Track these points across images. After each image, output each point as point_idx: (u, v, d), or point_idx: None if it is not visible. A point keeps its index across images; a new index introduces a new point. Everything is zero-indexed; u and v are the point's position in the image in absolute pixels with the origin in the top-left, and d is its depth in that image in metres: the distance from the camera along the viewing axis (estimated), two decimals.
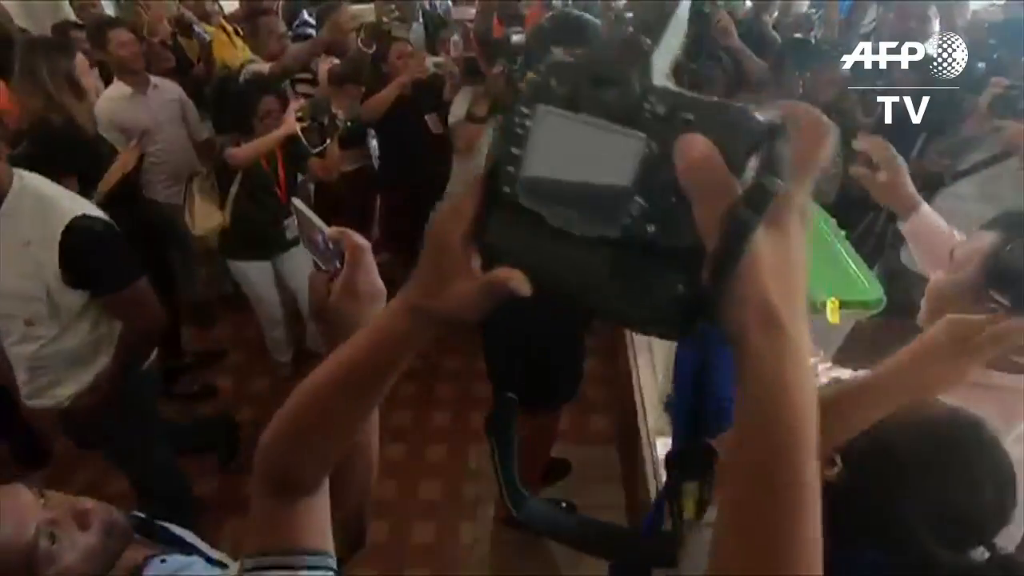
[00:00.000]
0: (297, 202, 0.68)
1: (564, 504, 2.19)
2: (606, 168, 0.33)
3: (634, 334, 1.79)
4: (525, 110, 0.35)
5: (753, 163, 0.30)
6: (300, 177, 2.70)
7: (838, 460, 0.70)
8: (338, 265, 0.60)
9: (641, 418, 1.68)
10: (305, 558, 0.53)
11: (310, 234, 0.66)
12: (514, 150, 0.35)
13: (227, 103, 2.57)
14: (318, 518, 0.55)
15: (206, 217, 2.49)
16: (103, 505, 0.81)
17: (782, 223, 0.31)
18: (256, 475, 0.53)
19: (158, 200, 2.83)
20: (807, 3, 3.48)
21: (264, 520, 0.54)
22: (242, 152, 2.36)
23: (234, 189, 2.44)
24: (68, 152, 2.02)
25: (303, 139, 2.51)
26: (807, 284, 0.32)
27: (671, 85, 0.33)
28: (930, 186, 2.19)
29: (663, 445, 1.51)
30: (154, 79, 2.68)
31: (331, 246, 0.62)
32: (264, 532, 0.53)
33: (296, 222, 0.67)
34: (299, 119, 2.41)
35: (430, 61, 2.78)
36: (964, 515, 0.65)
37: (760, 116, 0.30)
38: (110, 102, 2.58)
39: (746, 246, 0.29)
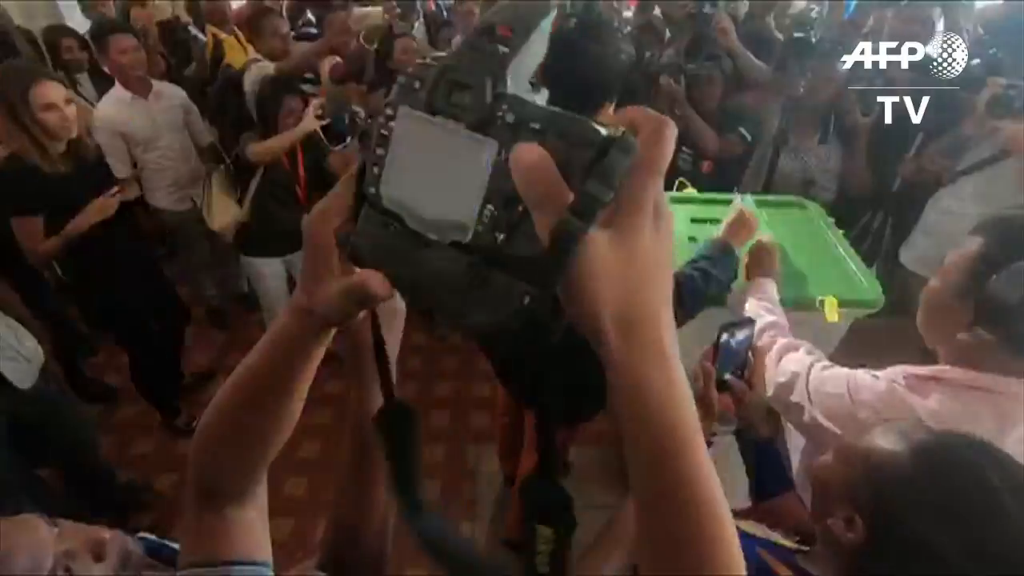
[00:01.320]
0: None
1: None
2: (460, 173, 0.33)
3: None
4: (390, 111, 0.35)
5: (594, 176, 0.30)
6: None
7: (857, 520, 0.67)
8: None
9: None
10: (232, 568, 0.51)
11: None
12: (378, 151, 0.36)
13: (230, 103, 2.57)
14: (249, 527, 0.54)
15: (223, 212, 2.50)
16: (118, 535, 0.79)
17: (624, 226, 0.31)
18: (188, 484, 0.53)
19: (161, 207, 2.84)
20: (807, 3, 3.48)
21: (193, 530, 0.53)
22: (263, 148, 2.37)
23: (254, 185, 2.44)
24: (31, 193, 1.92)
25: (323, 136, 2.51)
26: (668, 283, 0.32)
27: (529, 94, 0.33)
28: (928, 186, 2.20)
29: None
30: (156, 84, 2.69)
31: None
32: (192, 542, 0.53)
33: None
34: (319, 116, 2.41)
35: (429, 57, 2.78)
36: (1002, 535, 0.60)
37: (603, 129, 0.30)
38: (111, 108, 2.59)
39: (573, 252, 0.29)
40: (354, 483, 0.64)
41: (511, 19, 0.33)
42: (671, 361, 0.31)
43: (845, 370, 1.02)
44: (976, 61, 1.91)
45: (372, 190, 0.36)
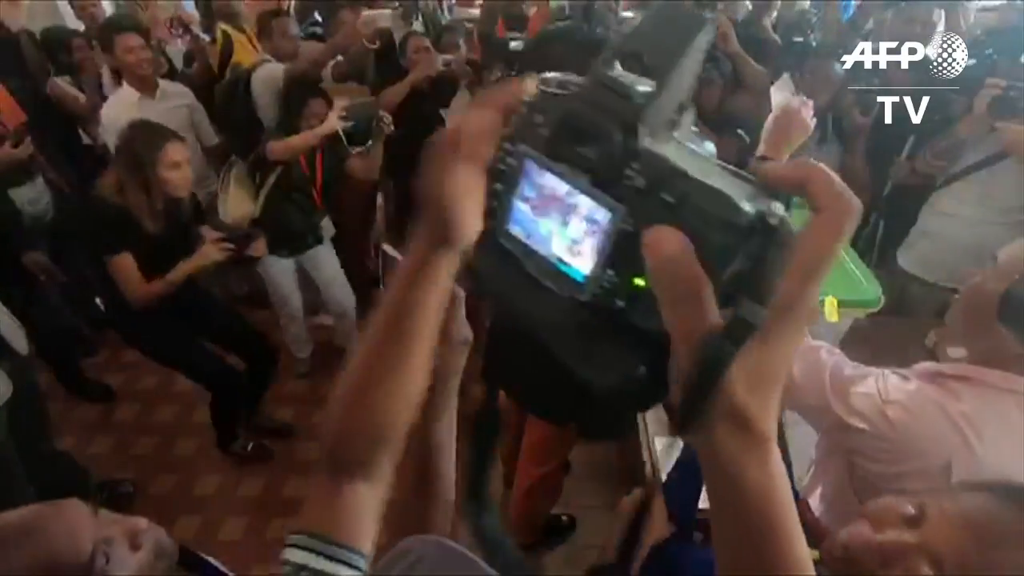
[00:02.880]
0: (388, 247, 0.69)
1: (565, 518, 2.17)
2: (582, 228, 0.30)
3: None
4: (509, 147, 0.33)
5: (738, 262, 0.26)
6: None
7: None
8: None
9: (640, 418, 1.68)
10: (338, 550, 0.51)
11: None
12: (498, 186, 0.33)
13: (238, 102, 2.57)
14: (365, 511, 0.52)
15: (238, 205, 2.51)
16: (154, 526, 0.82)
17: (770, 333, 0.27)
18: (321, 454, 0.52)
19: None
20: (806, 3, 3.49)
21: (312, 499, 0.53)
22: (283, 145, 2.36)
23: (270, 181, 2.44)
24: (131, 243, 1.94)
25: (344, 139, 2.50)
26: (787, 372, 0.30)
27: (666, 140, 0.29)
28: (921, 188, 2.21)
29: (662, 445, 1.51)
30: (163, 83, 2.69)
31: None
32: (308, 511, 0.53)
33: (380, 263, 0.69)
34: (343, 118, 2.40)
35: (439, 59, 2.78)
36: None
37: (750, 206, 0.26)
38: (117, 107, 2.59)
39: (722, 375, 0.26)
40: (418, 498, 0.65)
41: (649, 48, 0.28)
42: (773, 454, 0.29)
43: (871, 369, 1.00)
44: (972, 62, 1.91)
45: (492, 223, 0.34)
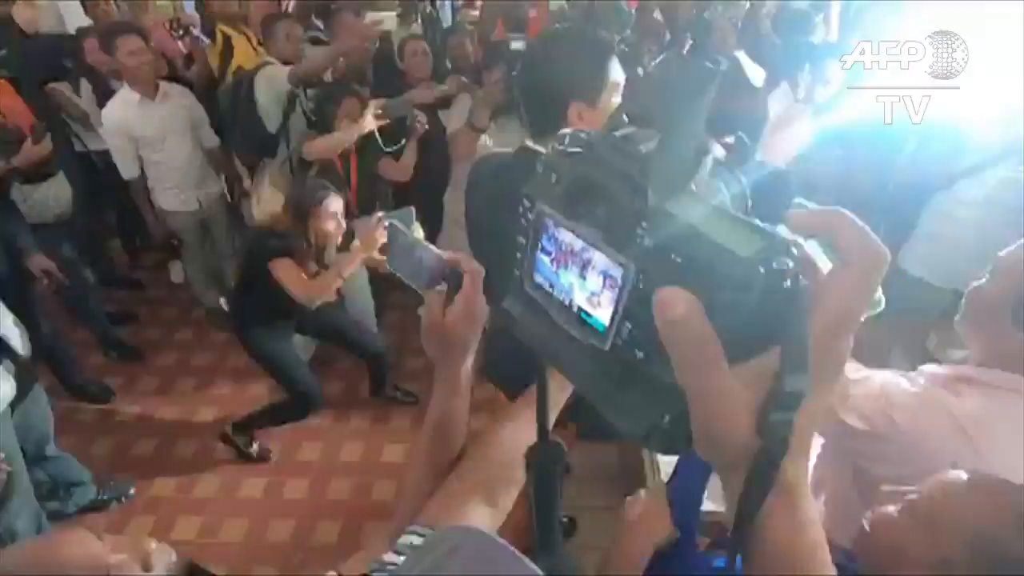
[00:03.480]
0: (396, 222, 0.69)
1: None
2: (599, 282, 0.31)
3: None
4: (528, 203, 0.34)
5: (753, 319, 0.26)
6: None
7: None
8: (445, 286, 0.62)
9: None
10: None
11: (410, 252, 0.66)
12: (521, 239, 0.35)
13: (241, 105, 2.57)
14: (475, 518, 0.60)
15: (268, 203, 2.51)
16: (164, 547, 0.83)
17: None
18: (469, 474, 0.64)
19: (167, 209, 2.85)
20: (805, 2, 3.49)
21: (437, 500, 0.62)
22: (320, 144, 2.36)
23: (310, 177, 2.44)
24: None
25: (378, 138, 2.50)
26: (820, 422, 0.31)
27: (677, 200, 0.29)
28: (923, 189, 2.20)
29: None
30: (164, 85, 2.70)
31: (438, 267, 0.63)
32: (430, 509, 0.62)
33: (388, 238, 0.69)
34: (378, 117, 2.40)
35: (437, 90, 2.75)
36: None
37: (761, 264, 0.25)
38: (119, 109, 2.60)
39: (769, 488, 0.28)
40: (427, 475, 0.67)
41: (653, 104, 0.30)
42: (802, 502, 0.30)
43: (876, 372, 1.00)
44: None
45: (519, 273, 0.36)
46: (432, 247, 0.65)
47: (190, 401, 2.83)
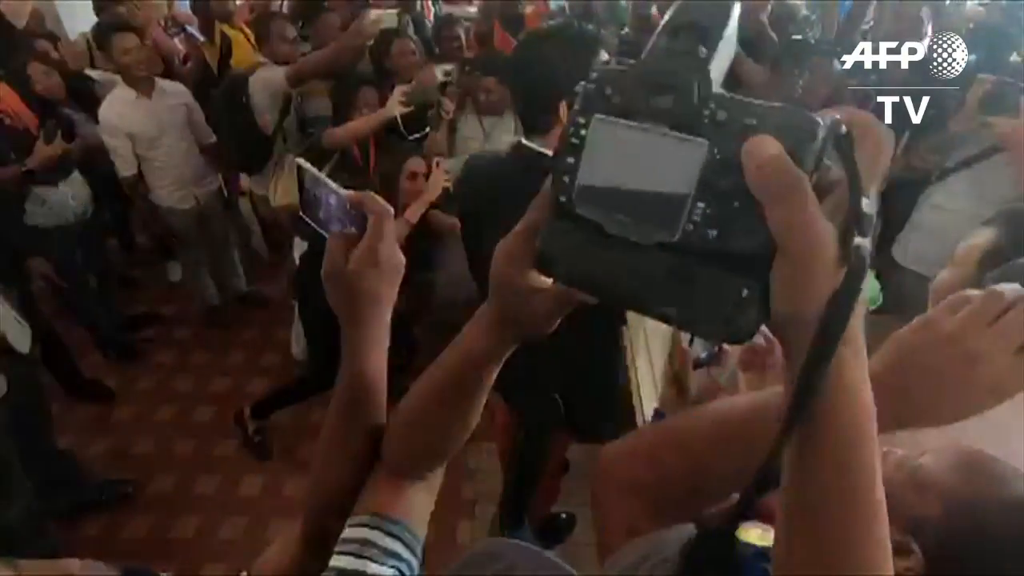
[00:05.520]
0: (302, 161, 0.64)
1: (564, 516, 2.18)
2: (666, 175, 0.32)
3: (632, 338, 1.79)
4: (581, 120, 0.35)
5: (820, 168, 0.30)
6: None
7: (914, 547, 0.59)
8: (353, 231, 0.57)
9: (640, 420, 1.68)
10: (394, 526, 0.56)
11: (316, 194, 0.62)
12: (569, 159, 0.35)
13: (235, 106, 2.56)
14: (415, 502, 0.58)
15: (285, 194, 2.50)
16: (90, 564, 0.74)
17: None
18: (383, 458, 0.59)
19: (165, 206, 2.84)
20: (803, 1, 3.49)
21: (372, 488, 0.59)
22: (341, 131, 2.33)
23: (326, 171, 2.42)
24: None
25: (402, 126, 2.44)
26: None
27: (725, 93, 0.33)
28: (916, 183, 2.22)
29: None
30: (160, 82, 2.69)
31: (347, 209, 0.58)
32: (368, 497, 0.58)
33: (298, 181, 0.64)
34: (402, 103, 2.33)
35: (439, 70, 2.69)
36: None
37: (823, 119, 0.30)
38: (115, 107, 2.59)
39: (866, 270, 0.29)
40: (341, 451, 0.62)
41: (705, 17, 0.33)
42: (864, 356, 0.32)
43: None
44: (972, 57, 1.92)
45: (563, 198, 0.36)
46: (340, 189, 0.59)
47: (188, 400, 2.83)
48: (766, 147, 0.29)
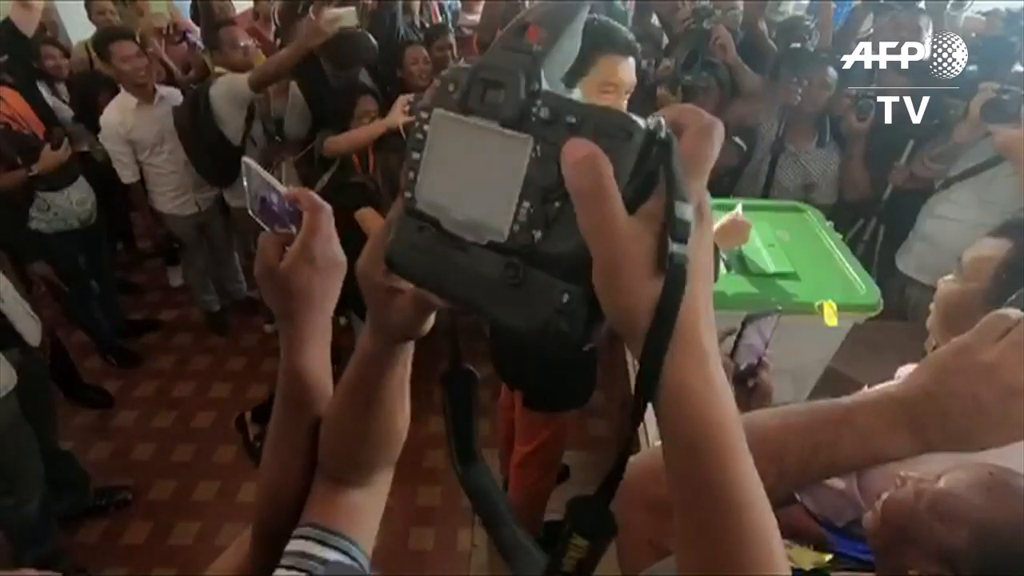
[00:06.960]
0: (250, 160, 0.63)
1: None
2: (496, 172, 0.32)
3: None
4: (424, 115, 0.35)
5: (639, 172, 0.30)
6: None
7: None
8: (293, 229, 0.56)
9: (642, 429, 1.68)
10: (330, 536, 0.55)
11: (259, 192, 0.60)
12: (414, 155, 0.35)
13: (199, 118, 2.54)
14: (358, 511, 0.58)
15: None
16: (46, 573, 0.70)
17: (696, 236, 0.30)
18: (319, 464, 0.59)
19: (165, 212, 2.85)
20: (801, 2, 3.50)
21: (316, 498, 0.58)
22: (342, 140, 2.31)
23: (324, 180, 2.40)
24: None
25: (404, 135, 2.37)
26: (709, 284, 0.32)
27: (562, 90, 0.33)
28: (920, 192, 2.22)
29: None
30: (161, 89, 2.70)
31: (287, 207, 0.57)
32: (312, 507, 0.58)
33: (244, 180, 0.62)
34: (406, 112, 2.29)
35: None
36: None
37: (642, 121, 0.30)
38: (116, 114, 2.60)
39: (685, 285, 0.28)
40: (284, 448, 0.61)
41: (543, 18, 0.33)
42: (710, 361, 0.30)
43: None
44: (973, 68, 1.93)
45: (409, 194, 0.36)
46: (280, 186, 0.58)
47: (188, 405, 2.82)
48: (581, 147, 0.29)
